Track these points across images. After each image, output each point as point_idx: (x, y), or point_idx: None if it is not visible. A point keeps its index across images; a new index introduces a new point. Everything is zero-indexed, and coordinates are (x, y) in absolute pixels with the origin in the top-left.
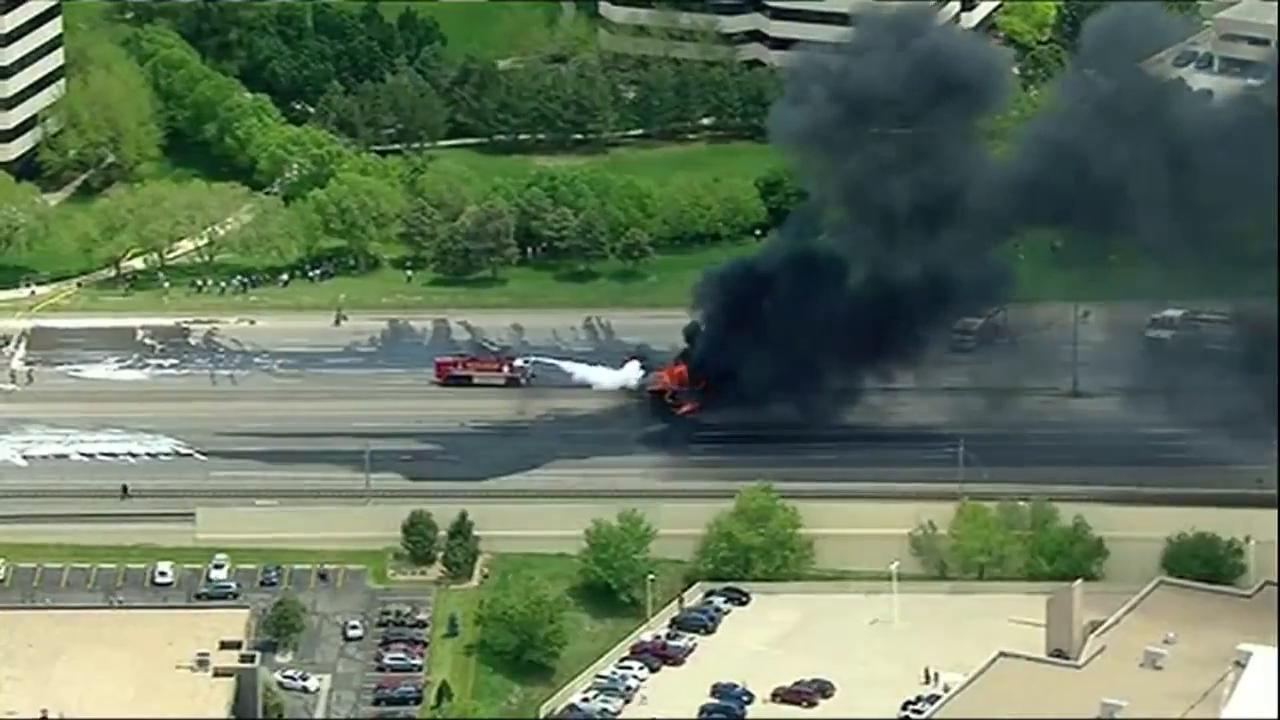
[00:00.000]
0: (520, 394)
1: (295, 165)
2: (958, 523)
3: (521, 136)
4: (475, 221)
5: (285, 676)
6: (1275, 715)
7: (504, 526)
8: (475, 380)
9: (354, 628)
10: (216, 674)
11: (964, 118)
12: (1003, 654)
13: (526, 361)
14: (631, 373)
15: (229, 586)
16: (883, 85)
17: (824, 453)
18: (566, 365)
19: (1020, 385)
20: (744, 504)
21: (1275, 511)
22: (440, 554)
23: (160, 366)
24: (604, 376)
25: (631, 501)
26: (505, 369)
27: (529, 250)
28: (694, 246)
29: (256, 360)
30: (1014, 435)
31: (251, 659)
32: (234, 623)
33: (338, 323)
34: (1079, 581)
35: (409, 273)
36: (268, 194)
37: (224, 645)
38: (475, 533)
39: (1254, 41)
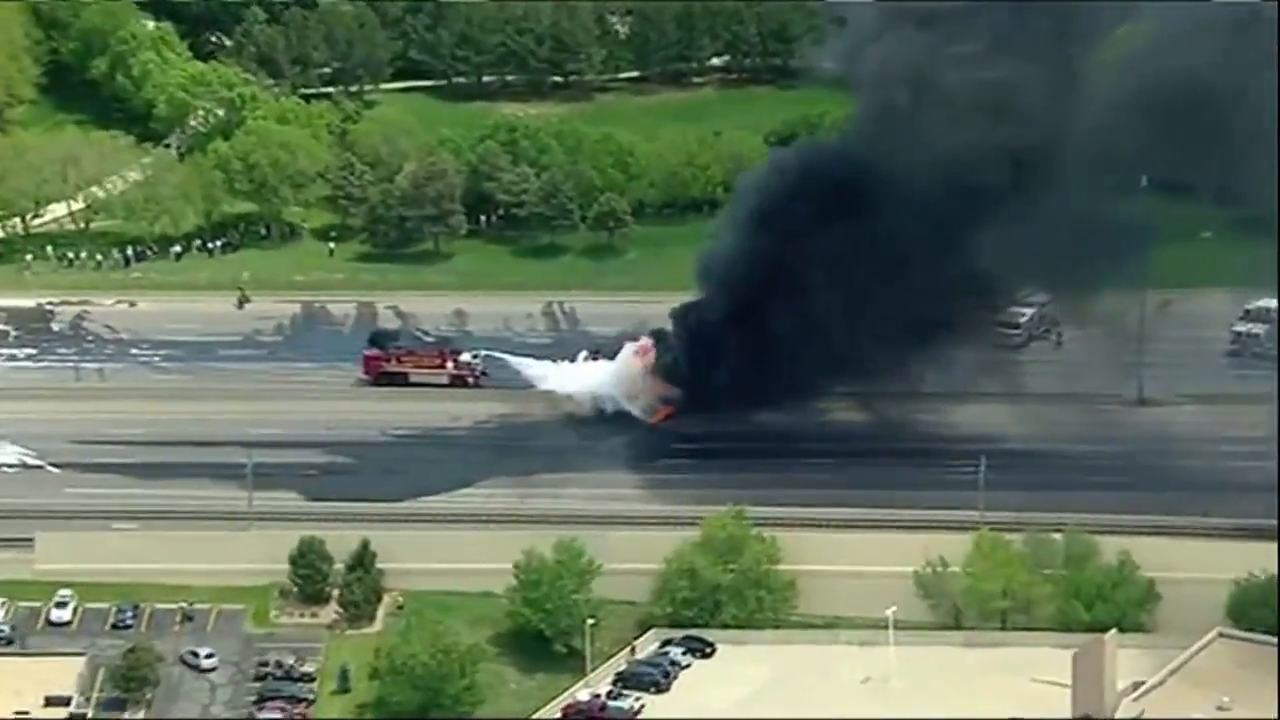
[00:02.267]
0: (467, 396)
1: (201, 111)
2: (974, 558)
3: (485, 79)
4: (413, 182)
5: None
6: None
7: (416, 558)
8: (413, 378)
9: (209, 656)
10: None
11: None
12: None
13: (476, 357)
14: (603, 374)
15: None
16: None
17: (811, 470)
18: (524, 363)
19: (1073, 391)
20: (711, 533)
21: None
22: (336, 591)
23: (13, 357)
24: (571, 377)
25: (571, 528)
26: (450, 365)
27: (481, 219)
28: (686, 217)
29: (134, 351)
30: (1051, 452)
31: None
32: (66, 673)
33: (240, 306)
34: (1113, 632)
35: (332, 245)
36: (165, 148)
37: (49, 701)
38: (380, 565)
39: None
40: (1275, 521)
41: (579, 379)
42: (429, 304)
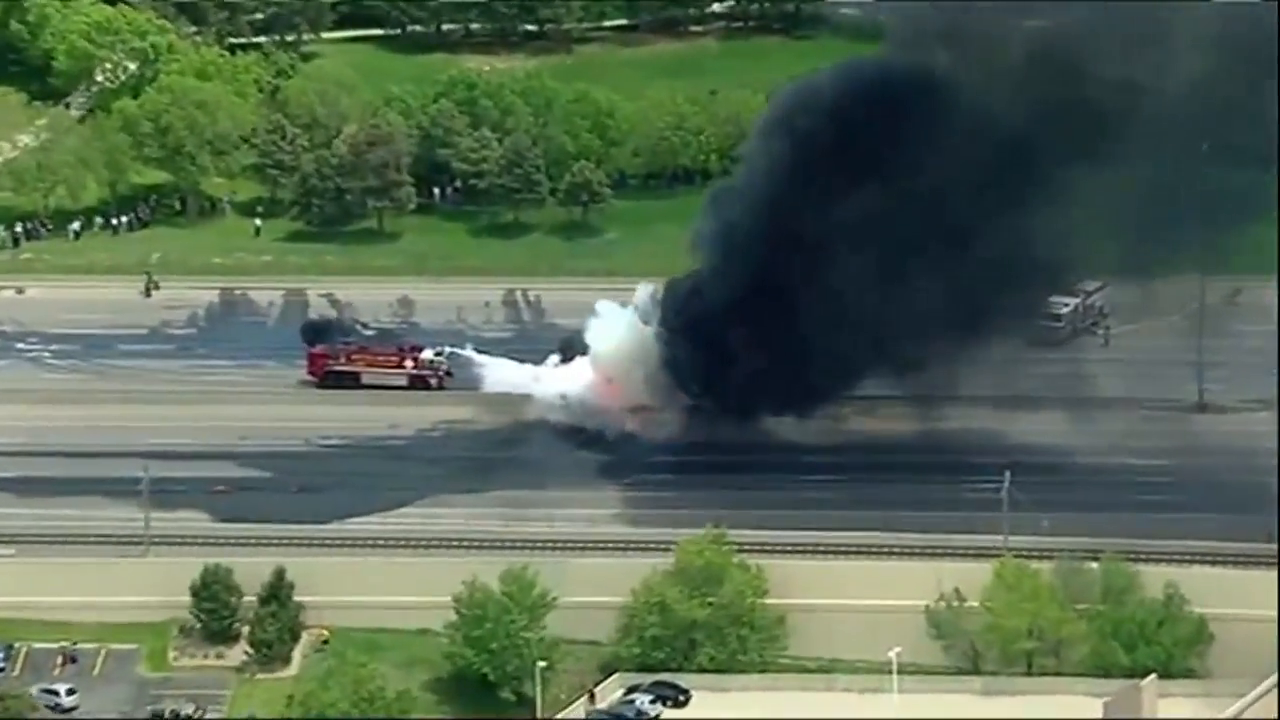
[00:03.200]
0: (426, 400)
1: (108, 64)
2: (996, 590)
3: (446, 27)
4: (354, 148)
5: None
6: None
7: (341, 589)
8: (366, 379)
9: (70, 693)
10: None
11: None
12: None
13: (440, 354)
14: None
15: None
16: None
17: (805, 487)
18: (499, 365)
19: (1121, 395)
20: (686, 560)
21: None
22: (246, 629)
23: None
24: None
25: (523, 555)
26: (410, 364)
27: (434, 192)
28: (675, 190)
29: (20, 346)
30: (1089, 466)
31: None
32: None
33: (147, 293)
34: (1153, 677)
35: (258, 222)
36: (64, 108)
37: None
38: (298, 598)
39: None
40: None
41: (557, 382)
42: (370, 291)
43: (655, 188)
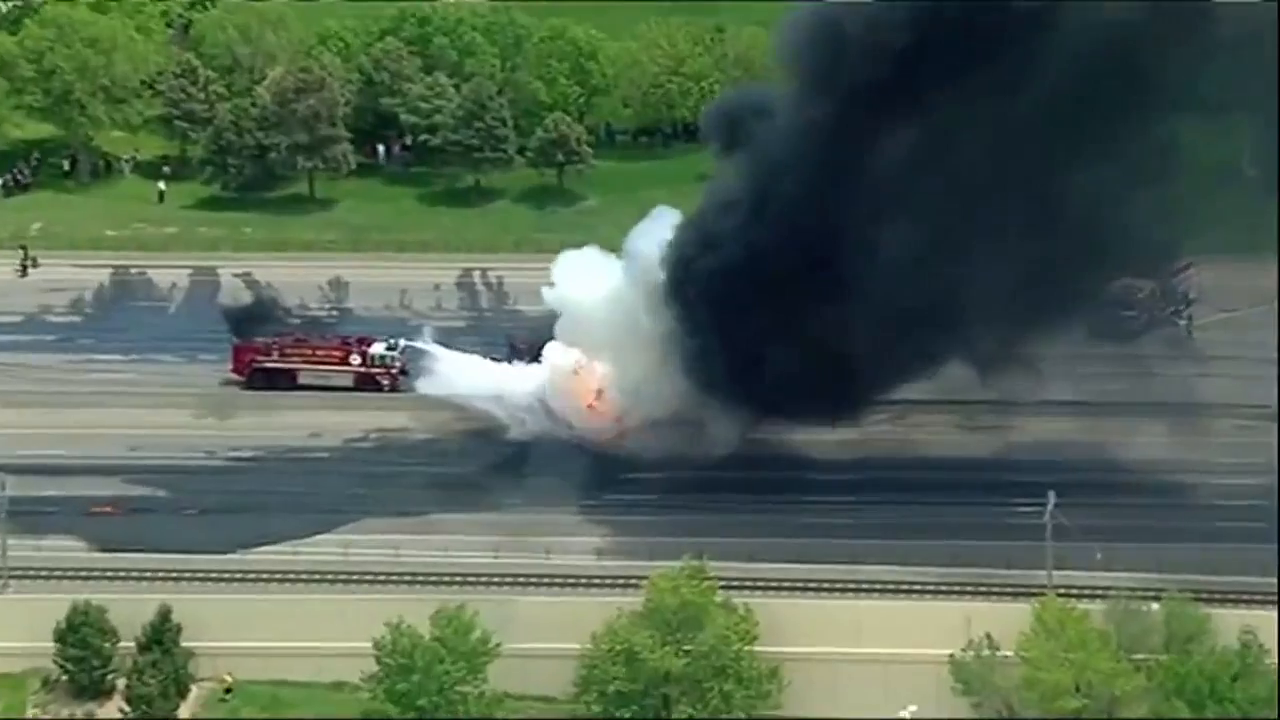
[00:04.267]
0: (362, 404)
1: None
2: (1035, 636)
3: None
4: (280, 96)
5: None
6: None
7: (240, 633)
8: (303, 378)
9: None
10: None
11: None
12: None
13: (394, 348)
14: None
15: None
16: None
17: (804, 510)
18: (459, 359)
19: (1199, 399)
20: (658, 598)
21: None
22: (122, 681)
23: None
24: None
25: (460, 592)
26: (357, 359)
27: (380, 150)
28: (671, 148)
29: None
30: (1151, 485)
31: None
32: None
33: (23, 271)
34: None
35: (162, 186)
36: None
37: None
38: (186, 643)
39: None
40: None
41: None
42: (297, 270)
43: (647, 145)
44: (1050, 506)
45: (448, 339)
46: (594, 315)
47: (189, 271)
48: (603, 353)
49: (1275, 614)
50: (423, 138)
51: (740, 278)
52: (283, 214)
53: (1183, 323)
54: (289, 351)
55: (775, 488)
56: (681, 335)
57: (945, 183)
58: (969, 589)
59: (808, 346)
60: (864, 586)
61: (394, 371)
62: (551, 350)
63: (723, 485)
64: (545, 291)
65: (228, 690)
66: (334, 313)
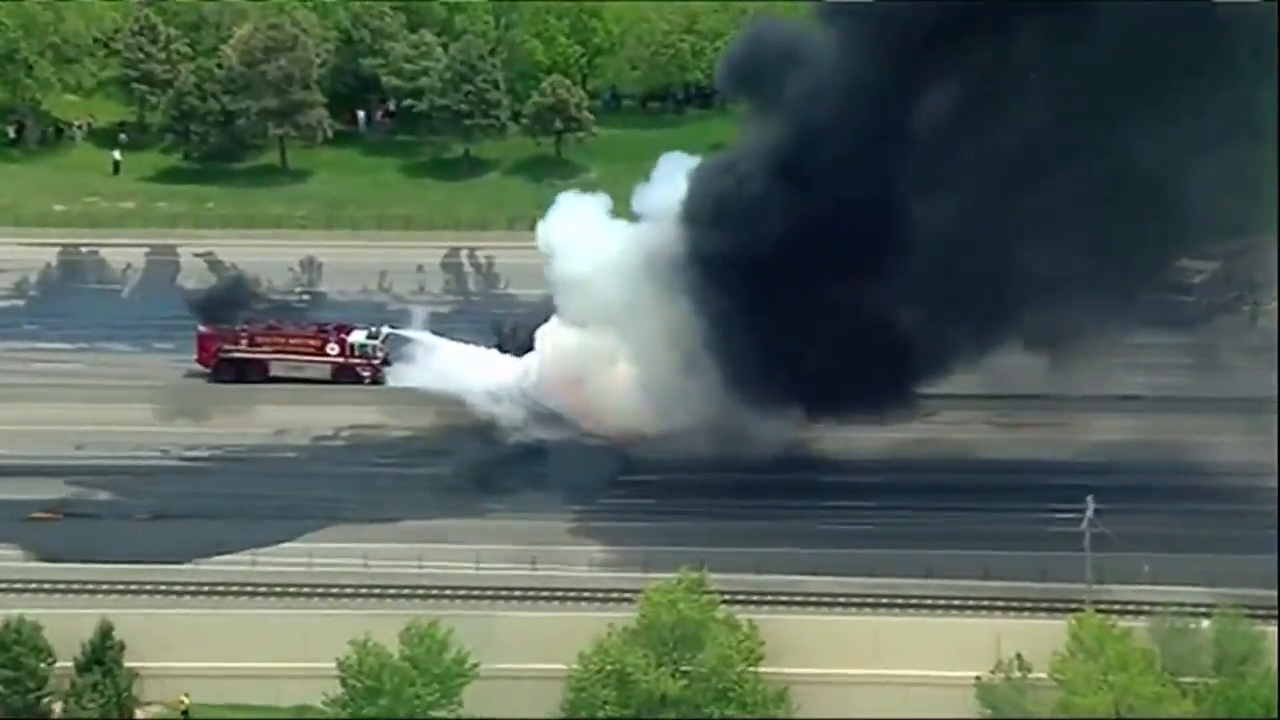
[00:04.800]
0: (335, 398)
1: None
2: (1072, 656)
3: None
4: (247, 58)
5: None
6: None
7: (191, 652)
8: (275, 369)
9: None
10: None
11: None
12: None
13: (374, 335)
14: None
15: None
16: None
17: (818, 516)
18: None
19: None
20: (653, 614)
21: None
22: (59, 705)
23: None
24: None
25: (434, 606)
26: (335, 349)
27: (360, 116)
28: (683, 115)
29: None
30: (1201, 488)
31: None
32: None
33: None
34: None
35: (117, 155)
36: None
37: None
38: (130, 664)
39: None
40: None
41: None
42: (266, 250)
43: (656, 112)
44: (1089, 513)
45: (432, 327)
46: (596, 290)
47: (145, 251)
48: (609, 336)
49: None
50: (407, 103)
51: (780, 255)
52: (251, 187)
53: (1247, 308)
54: (260, 340)
55: (786, 491)
56: (705, 321)
57: (1002, 147)
58: (999, 604)
59: (860, 332)
60: (883, 601)
61: (376, 362)
62: (546, 333)
63: (728, 489)
64: (542, 237)
65: (185, 713)
66: (305, 297)
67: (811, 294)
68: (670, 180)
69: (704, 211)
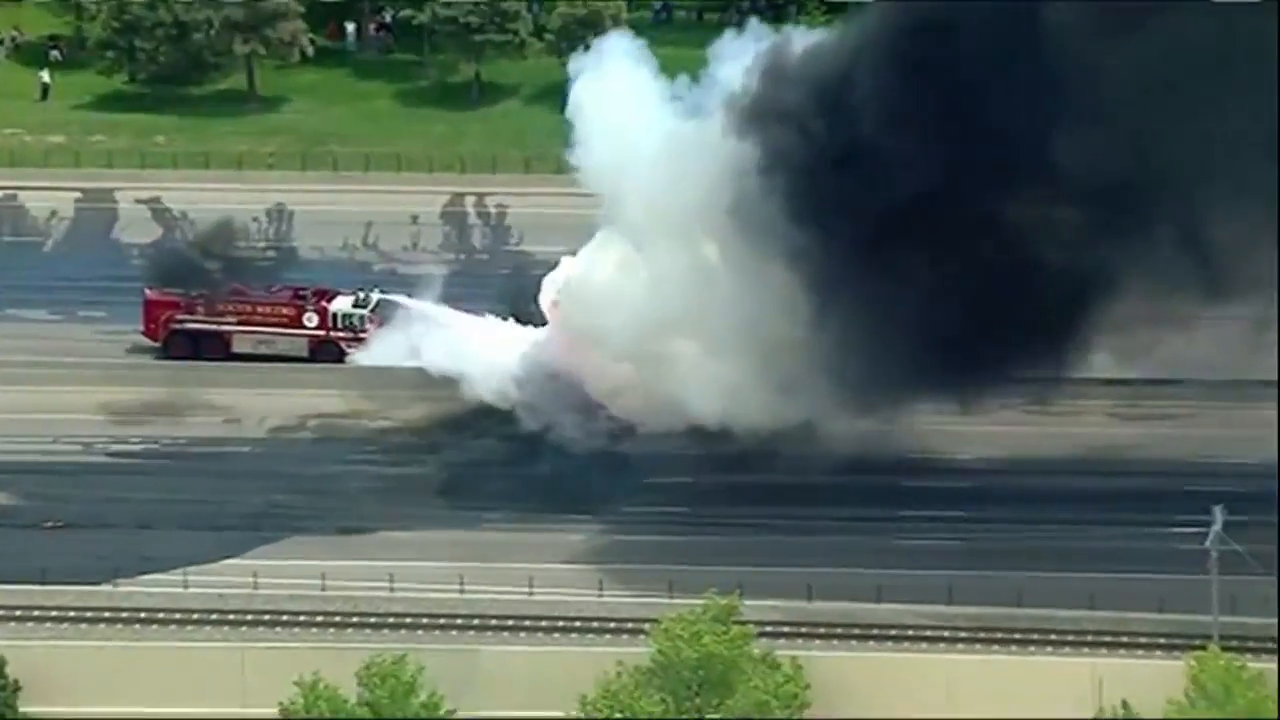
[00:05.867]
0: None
1: None
2: (1190, 705)
3: None
4: None
5: None
6: None
7: (104, 693)
8: (238, 344)
9: None
10: None
11: None
12: None
13: (363, 303)
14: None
15: None
16: None
17: (884, 530)
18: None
19: None
20: (671, 649)
21: None
22: None
23: None
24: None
25: (404, 639)
26: (314, 318)
27: (347, 30)
28: (745, 29)
29: None
30: None
31: None
32: None
33: None
34: None
35: (46, 77)
36: None
37: None
38: (26, 709)
39: None
40: None
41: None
42: (225, 195)
43: (715, 25)
44: (1216, 528)
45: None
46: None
47: (76, 196)
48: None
49: None
50: (405, 13)
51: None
52: (210, 117)
53: None
54: (221, 310)
55: (852, 498)
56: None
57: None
58: (1104, 639)
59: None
60: (961, 635)
61: (363, 336)
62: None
63: (780, 494)
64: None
65: None
66: (270, 254)
67: (988, 253)
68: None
69: (816, 149)
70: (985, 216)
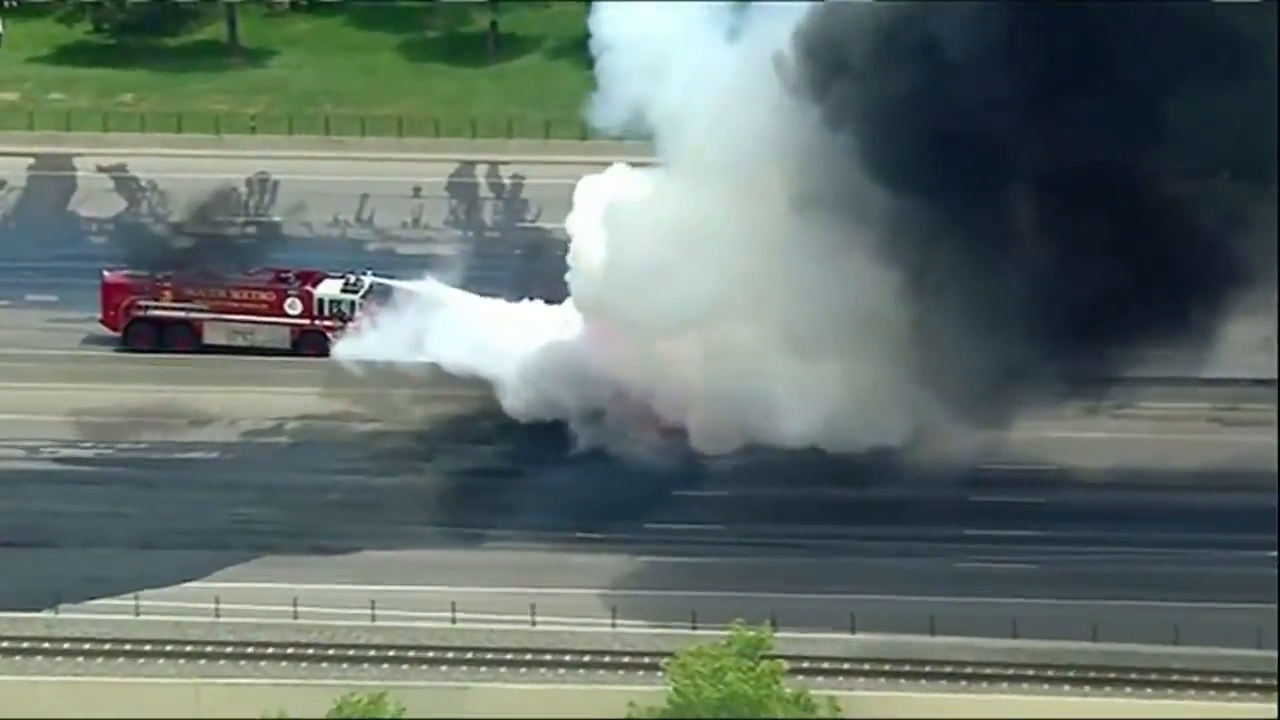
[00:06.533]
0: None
1: None
2: None
3: None
4: None
5: None
6: None
7: None
8: (210, 335)
9: None
10: None
11: None
12: None
13: (353, 287)
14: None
15: None
16: None
17: (941, 550)
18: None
19: None
20: (689, 687)
21: None
22: None
23: None
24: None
25: (386, 674)
26: (297, 304)
27: None
28: None
29: None
30: None
31: None
32: None
33: None
34: None
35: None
36: None
37: None
38: None
39: None
40: None
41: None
42: (198, 162)
43: None
44: None
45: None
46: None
47: (29, 162)
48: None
49: None
50: None
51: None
52: (184, 72)
53: None
54: (189, 295)
55: (912, 515)
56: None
57: None
58: (1192, 678)
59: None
60: (1027, 672)
61: (354, 325)
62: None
63: (826, 511)
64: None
65: None
66: (249, 230)
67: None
68: None
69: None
70: (1137, 179)
